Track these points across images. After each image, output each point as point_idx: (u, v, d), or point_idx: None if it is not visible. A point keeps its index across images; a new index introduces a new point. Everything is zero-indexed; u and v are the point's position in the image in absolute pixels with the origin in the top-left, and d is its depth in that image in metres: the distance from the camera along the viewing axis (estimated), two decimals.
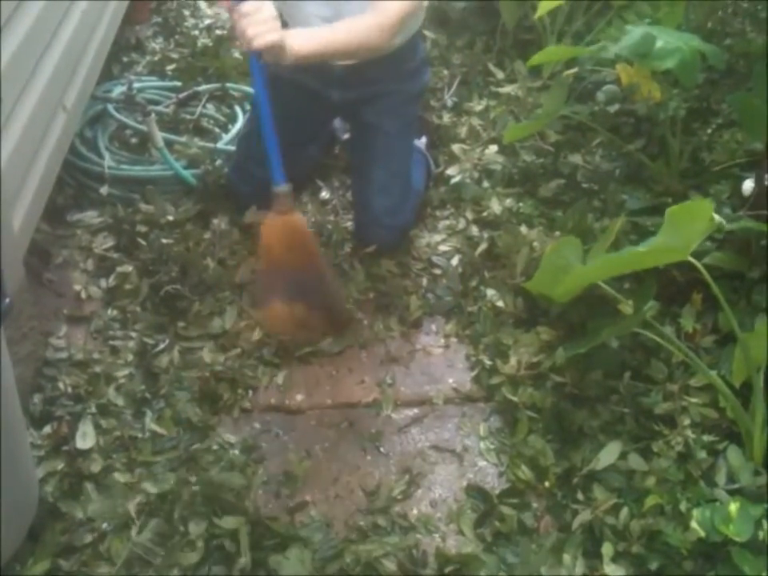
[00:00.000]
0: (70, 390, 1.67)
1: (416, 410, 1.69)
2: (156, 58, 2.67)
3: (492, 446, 1.61)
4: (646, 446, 1.56)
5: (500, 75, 2.67)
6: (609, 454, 1.53)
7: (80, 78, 2.03)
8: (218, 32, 2.82)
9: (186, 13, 2.95)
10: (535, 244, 1.97)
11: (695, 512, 1.38)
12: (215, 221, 2.09)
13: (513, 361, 1.73)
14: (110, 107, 2.31)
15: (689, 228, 1.40)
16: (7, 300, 1.12)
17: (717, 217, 1.50)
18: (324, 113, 2.11)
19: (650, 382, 1.68)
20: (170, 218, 2.08)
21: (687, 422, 1.58)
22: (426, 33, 2.79)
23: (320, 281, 1.56)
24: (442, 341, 1.85)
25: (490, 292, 1.91)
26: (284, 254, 1.54)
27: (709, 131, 2.31)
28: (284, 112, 2.01)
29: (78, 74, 2.02)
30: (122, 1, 2.48)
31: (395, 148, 2.03)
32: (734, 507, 1.36)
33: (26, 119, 1.65)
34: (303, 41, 1.62)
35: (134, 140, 2.33)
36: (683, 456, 1.53)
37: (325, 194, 2.24)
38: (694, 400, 1.61)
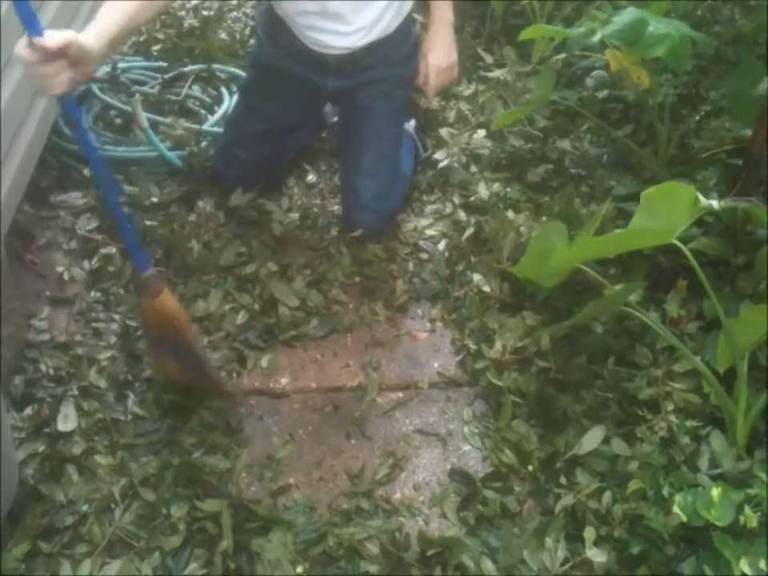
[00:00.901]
0: (51, 371, 1.66)
1: (401, 394, 1.69)
2: (141, 39, 2.64)
3: (476, 431, 1.61)
4: (630, 431, 1.56)
5: (489, 60, 2.66)
6: (592, 439, 1.53)
7: None
8: (205, 12, 2.78)
9: None
10: (522, 229, 1.96)
11: (677, 497, 1.38)
12: (200, 203, 2.07)
13: (498, 345, 1.73)
14: (95, 87, 2.28)
15: (670, 210, 1.39)
16: None
17: (703, 199, 1.50)
18: (317, 99, 2.09)
19: (634, 367, 1.68)
20: (155, 199, 2.07)
21: (671, 407, 1.58)
22: (416, 17, 2.76)
23: (188, 349, 1.58)
24: (428, 325, 1.85)
25: (476, 277, 1.91)
26: (160, 326, 1.55)
27: (697, 118, 2.30)
28: (277, 99, 2.01)
29: None
30: None
31: (385, 132, 2.02)
32: (715, 492, 1.36)
33: (6, 99, 1.62)
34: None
35: (118, 120, 2.31)
36: (666, 441, 1.53)
37: (311, 178, 2.23)
38: (677, 385, 1.62)
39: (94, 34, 1.38)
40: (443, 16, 1.96)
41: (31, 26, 1.23)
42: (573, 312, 1.77)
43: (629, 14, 1.98)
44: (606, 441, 1.53)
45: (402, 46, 1.97)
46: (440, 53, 1.96)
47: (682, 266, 1.75)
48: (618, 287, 1.70)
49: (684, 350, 1.60)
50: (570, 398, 1.62)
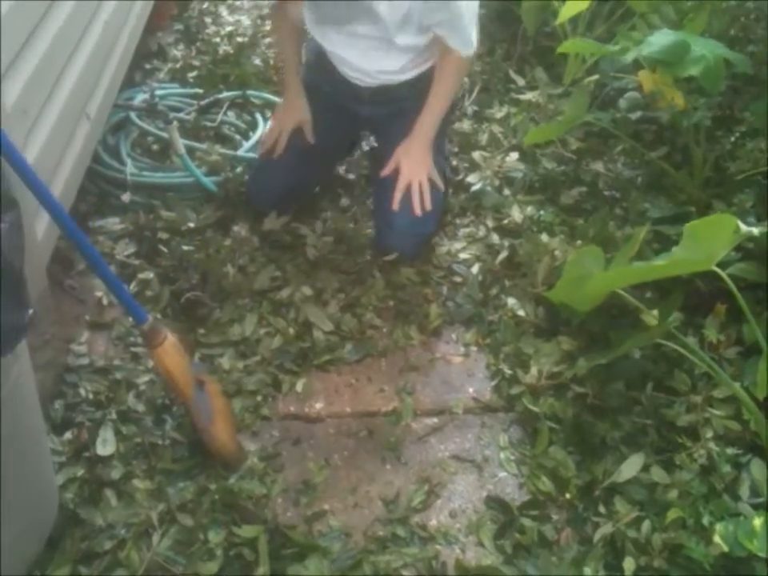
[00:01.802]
0: (90, 396, 1.68)
1: (435, 420, 1.68)
2: (177, 66, 2.69)
3: (512, 457, 1.60)
4: (669, 459, 1.54)
5: (521, 82, 2.67)
6: (631, 467, 1.51)
7: (103, 86, 2.04)
8: (239, 39, 2.83)
9: (208, 20, 2.97)
10: (556, 253, 1.95)
11: (718, 526, 1.36)
12: (235, 228, 2.10)
13: (533, 371, 1.72)
14: (133, 115, 2.32)
15: (711, 240, 1.38)
16: (30, 311, 1.13)
17: (743, 226, 1.48)
18: (353, 125, 2.12)
19: (672, 393, 1.66)
20: (191, 224, 2.10)
21: (710, 434, 1.56)
22: None
23: (186, 407, 1.56)
24: (462, 349, 1.85)
25: (511, 301, 1.90)
26: (181, 376, 1.52)
27: (732, 139, 2.27)
28: (314, 121, 2.04)
29: (101, 83, 2.04)
30: (145, 9, 2.50)
31: None
32: (757, 522, 1.33)
33: (49, 128, 1.66)
34: (430, 131, 1.93)
35: (155, 147, 2.35)
36: (706, 469, 1.51)
37: (344, 202, 2.24)
38: (717, 412, 1.59)
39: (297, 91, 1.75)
40: (426, 133, 1.98)
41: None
42: (609, 336, 1.76)
43: (668, 36, 1.98)
44: (645, 468, 1.52)
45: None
46: (414, 161, 1.97)
47: (721, 291, 1.73)
48: (654, 312, 1.69)
49: (723, 376, 1.58)
50: (607, 425, 1.60)
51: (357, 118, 2.01)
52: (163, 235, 2.06)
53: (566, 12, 2.47)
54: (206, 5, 3.07)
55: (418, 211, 1.95)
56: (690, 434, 1.57)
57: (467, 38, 1.87)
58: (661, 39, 1.95)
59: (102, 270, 1.47)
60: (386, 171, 1.99)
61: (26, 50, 1.56)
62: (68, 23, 1.77)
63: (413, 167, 1.97)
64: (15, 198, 1.11)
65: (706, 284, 1.81)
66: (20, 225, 1.12)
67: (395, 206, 1.95)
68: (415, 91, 1.97)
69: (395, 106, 1.96)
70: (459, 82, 2.08)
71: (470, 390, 1.75)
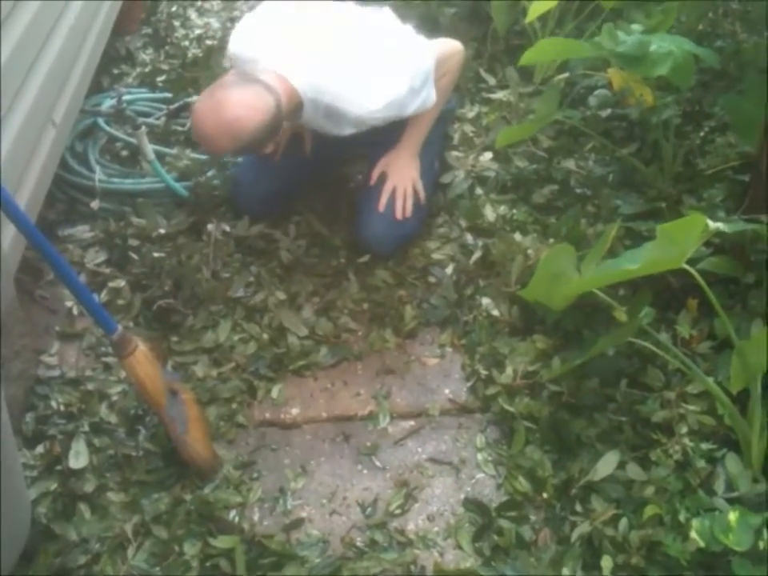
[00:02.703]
0: (62, 408, 1.66)
1: (412, 422, 1.68)
2: (146, 70, 2.66)
3: (489, 458, 1.60)
4: (644, 455, 1.55)
5: (492, 81, 2.66)
6: (607, 464, 1.52)
7: (69, 91, 2.01)
8: (209, 42, 2.80)
9: (176, 23, 2.93)
10: (529, 251, 1.96)
11: (694, 522, 1.37)
12: (207, 233, 2.08)
13: (509, 370, 1.72)
14: (100, 120, 2.29)
15: (681, 240, 1.39)
16: None
17: (711, 222, 1.49)
18: (335, 146, 2.08)
19: (646, 389, 1.67)
20: (162, 231, 2.07)
21: (685, 429, 1.57)
22: None
23: (159, 417, 1.56)
24: (438, 351, 1.84)
25: (485, 301, 1.90)
26: (153, 386, 1.52)
27: (701, 134, 2.30)
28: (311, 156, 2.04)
29: (66, 88, 2.01)
30: (112, 12, 2.46)
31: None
32: (733, 516, 1.34)
33: (13, 136, 1.63)
34: (417, 141, 2.03)
35: (124, 153, 2.32)
36: (681, 465, 1.52)
37: (318, 205, 2.22)
38: (691, 407, 1.60)
39: None
40: (413, 142, 2.03)
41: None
42: (583, 334, 1.76)
43: (631, 34, 1.99)
44: (621, 466, 1.52)
45: None
46: (400, 168, 2.03)
47: (692, 286, 1.73)
48: (626, 309, 1.70)
49: (696, 371, 1.59)
50: (583, 423, 1.61)
51: (338, 140, 2.01)
52: (134, 242, 2.04)
53: (535, 10, 2.46)
54: (174, 8, 3.03)
55: (399, 215, 2.00)
56: (665, 430, 1.58)
57: (422, 104, 1.90)
58: (625, 38, 1.96)
59: (69, 280, 1.45)
60: (373, 177, 2.04)
61: None
62: (31, 27, 1.74)
63: (399, 174, 2.02)
64: None
65: (678, 280, 1.82)
66: None
67: (380, 208, 1.99)
68: (397, 123, 1.97)
69: (379, 136, 1.97)
70: (447, 95, 2.08)
71: (446, 391, 1.75)
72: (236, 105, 1.67)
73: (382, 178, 2.04)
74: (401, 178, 2.03)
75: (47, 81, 1.83)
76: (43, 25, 1.85)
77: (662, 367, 1.69)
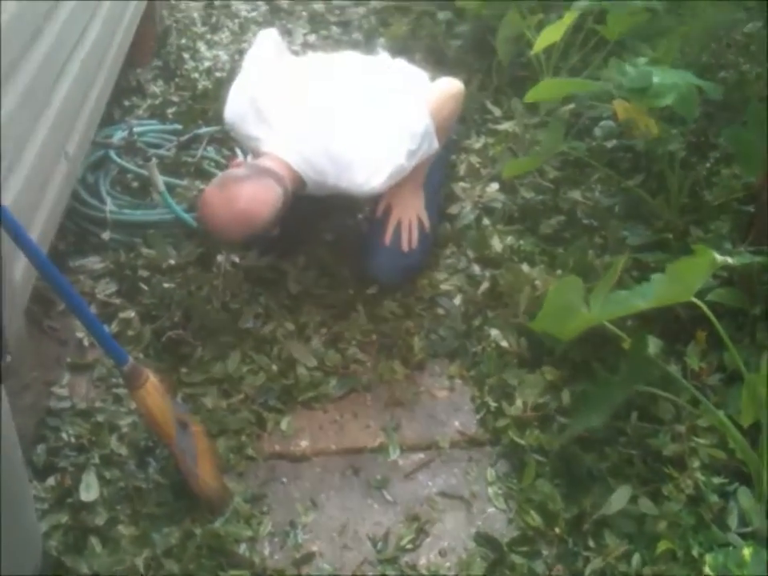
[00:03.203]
0: (73, 440, 1.66)
1: (422, 455, 1.68)
2: (157, 102, 2.69)
3: (500, 492, 1.59)
4: (656, 489, 1.54)
5: (497, 112, 2.69)
6: (619, 499, 1.51)
7: (81, 124, 2.03)
8: (218, 74, 2.84)
9: (186, 56, 2.97)
10: (537, 282, 1.97)
11: (708, 557, 1.37)
12: (217, 264, 2.09)
13: (518, 402, 1.72)
14: (112, 152, 2.32)
15: (691, 275, 1.40)
16: (8, 358, 1.12)
17: (719, 256, 1.50)
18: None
19: (657, 422, 1.66)
20: (172, 261, 2.09)
21: (696, 463, 1.56)
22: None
23: (169, 449, 1.56)
24: (447, 382, 1.84)
25: (494, 332, 1.91)
26: (164, 418, 1.52)
27: (707, 165, 2.32)
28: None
29: (79, 121, 2.03)
30: (123, 45, 2.50)
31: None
32: (747, 551, 1.34)
33: (27, 169, 1.65)
34: (421, 173, 2.02)
35: (135, 184, 2.34)
36: (694, 499, 1.51)
37: (327, 236, 2.24)
38: (702, 441, 1.60)
39: None
40: (416, 175, 2.02)
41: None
42: (592, 366, 1.77)
43: (631, 68, 2.02)
44: (633, 500, 1.52)
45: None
46: (405, 201, 2.05)
47: (701, 317, 1.73)
48: (634, 339, 1.70)
49: (707, 404, 1.59)
50: (594, 456, 1.60)
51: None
52: (144, 273, 2.05)
53: (541, 43, 2.51)
54: (184, 40, 3.08)
55: (405, 247, 2.02)
56: (677, 464, 1.57)
57: (424, 155, 1.94)
58: (630, 72, 1.99)
59: (81, 312, 1.46)
60: (378, 210, 2.06)
61: (3, 88, 1.55)
62: (46, 61, 1.76)
63: (403, 206, 2.04)
64: None
65: (686, 311, 1.82)
66: None
67: (387, 240, 2.01)
68: None
69: None
70: (448, 133, 2.11)
71: (456, 423, 1.74)
72: (249, 199, 1.74)
73: (388, 209, 2.06)
74: (405, 210, 2.05)
75: (61, 113, 1.84)
76: (57, 59, 1.87)
77: (672, 399, 1.69)
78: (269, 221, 1.78)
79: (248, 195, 1.75)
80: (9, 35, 1.52)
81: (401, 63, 2.27)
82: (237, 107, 1.98)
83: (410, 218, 2.05)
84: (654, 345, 1.72)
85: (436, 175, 2.19)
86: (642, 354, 1.62)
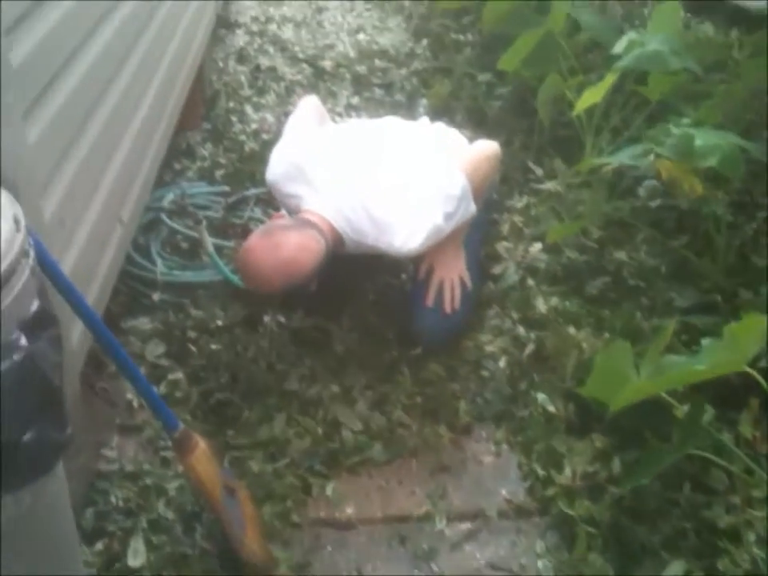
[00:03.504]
0: (121, 503, 1.67)
1: (469, 525, 1.65)
2: (206, 164, 2.77)
3: (550, 564, 1.56)
4: (711, 564, 1.49)
5: (539, 172, 2.71)
6: (672, 573, 1.47)
7: (136, 189, 2.10)
8: (264, 136, 2.92)
9: (234, 118, 3.07)
10: (584, 345, 1.95)
11: None
12: (263, 324, 2.12)
13: (567, 471, 1.69)
14: (163, 215, 2.38)
15: (744, 343, 1.38)
16: (69, 429, 1.13)
17: None
18: None
19: (710, 493, 1.62)
20: (220, 322, 2.12)
21: (753, 537, 1.51)
22: (464, 132, 2.85)
23: (216, 518, 1.56)
24: (493, 448, 1.83)
25: (541, 396, 1.89)
26: (212, 484, 1.53)
27: (754, 226, 2.29)
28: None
29: (134, 187, 2.09)
30: (175, 111, 2.58)
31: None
32: None
33: (85, 236, 1.69)
34: (461, 233, 2.05)
35: (185, 245, 2.40)
36: (751, 575, 1.46)
37: (372, 296, 2.26)
38: (757, 513, 1.55)
39: None
40: (458, 236, 2.06)
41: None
42: (643, 433, 1.73)
43: (676, 130, 2.03)
44: (687, 575, 1.47)
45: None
46: (446, 261, 2.07)
47: (753, 383, 1.71)
48: (686, 413, 1.67)
49: (761, 474, 1.54)
50: (646, 528, 1.56)
51: None
52: (192, 334, 2.09)
53: (582, 104, 2.53)
54: (232, 104, 3.18)
55: (448, 309, 2.03)
56: (732, 537, 1.52)
57: (462, 218, 1.96)
58: (670, 134, 2.00)
59: (136, 379, 1.49)
60: (420, 272, 2.08)
61: (63, 163, 1.61)
62: (103, 133, 1.83)
63: (445, 267, 2.06)
64: (55, 314, 1.14)
65: (737, 377, 1.78)
66: (59, 341, 1.14)
67: (429, 302, 2.03)
68: None
69: None
70: (486, 194, 2.14)
71: (503, 491, 1.72)
72: (294, 247, 1.77)
73: (429, 270, 2.07)
74: (447, 271, 2.07)
75: (117, 181, 1.91)
76: (114, 130, 1.93)
77: (726, 469, 1.65)
78: (311, 272, 1.81)
79: (293, 243, 1.78)
80: (69, 108, 1.59)
81: (440, 126, 2.31)
82: (278, 169, 2.03)
83: (451, 279, 2.07)
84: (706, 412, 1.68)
85: (477, 235, 2.20)
86: (698, 423, 1.58)
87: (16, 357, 0.96)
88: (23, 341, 0.98)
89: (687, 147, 2.00)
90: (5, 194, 1.07)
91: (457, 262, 2.09)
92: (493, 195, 2.32)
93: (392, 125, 2.26)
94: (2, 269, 0.95)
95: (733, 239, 2.18)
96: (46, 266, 1.24)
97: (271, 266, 1.76)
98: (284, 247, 1.77)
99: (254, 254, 1.78)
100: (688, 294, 2.09)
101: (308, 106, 2.27)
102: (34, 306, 1.02)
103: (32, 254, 1.04)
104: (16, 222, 1.02)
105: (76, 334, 1.67)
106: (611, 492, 1.63)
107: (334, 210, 1.90)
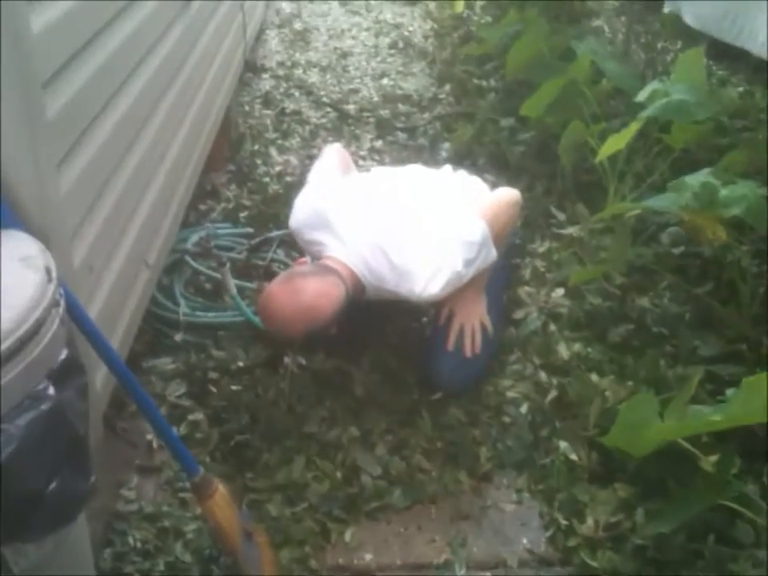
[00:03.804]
0: (139, 545, 1.67)
1: (489, 574, 1.62)
2: (230, 206, 2.81)
3: None
4: None
5: (562, 217, 2.72)
6: None
7: (162, 233, 2.12)
8: (288, 179, 2.96)
9: (258, 161, 3.12)
10: (607, 393, 1.93)
11: None
12: (284, 366, 2.12)
13: (590, 521, 1.67)
14: (187, 256, 2.41)
15: (765, 393, 1.37)
16: (93, 479, 1.14)
17: None
18: None
19: (736, 546, 1.58)
20: (241, 363, 2.13)
21: None
22: (487, 176, 2.87)
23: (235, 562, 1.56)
24: (514, 496, 1.80)
25: (563, 444, 1.87)
26: (231, 529, 1.53)
27: None
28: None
29: (160, 230, 2.12)
30: (202, 154, 2.63)
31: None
32: None
33: (112, 281, 1.70)
34: (483, 278, 2.05)
35: (208, 286, 2.42)
36: None
37: (392, 339, 2.26)
38: None
39: None
40: (479, 280, 2.06)
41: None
42: (666, 483, 1.71)
43: (698, 180, 2.03)
44: None
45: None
46: (467, 306, 2.08)
47: None
48: (712, 459, 1.65)
49: None
50: None
51: None
52: (213, 375, 2.09)
53: (605, 151, 2.55)
54: (257, 146, 3.23)
55: (468, 353, 2.03)
56: None
57: (482, 264, 1.97)
58: (693, 184, 2.00)
59: (158, 425, 1.49)
60: (441, 316, 2.08)
61: (93, 210, 1.63)
62: (133, 179, 1.85)
63: (466, 312, 2.06)
64: (82, 363, 1.15)
65: (762, 428, 1.76)
66: (86, 390, 1.15)
67: (449, 347, 2.03)
68: None
69: None
70: (506, 241, 2.14)
71: (524, 540, 1.69)
72: (315, 293, 1.79)
73: (450, 315, 2.08)
74: (468, 316, 2.07)
75: (144, 225, 1.93)
76: (143, 176, 1.95)
77: (752, 521, 1.61)
78: (331, 317, 1.82)
79: (314, 290, 1.80)
80: (101, 156, 1.63)
81: (462, 174, 2.34)
82: (301, 216, 2.06)
83: (472, 324, 2.07)
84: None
85: (499, 280, 2.21)
86: (727, 474, 1.56)
87: (44, 407, 0.97)
88: (51, 390, 0.99)
89: (711, 197, 2.00)
90: (36, 244, 1.09)
91: (477, 306, 2.09)
92: (515, 240, 2.33)
93: (415, 173, 2.29)
94: (34, 319, 0.97)
95: (757, 288, 2.17)
96: (73, 312, 1.26)
97: (292, 311, 1.77)
98: (304, 293, 1.79)
99: (275, 300, 1.80)
100: (712, 343, 2.07)
101: (333, 154, 2.31)
102: (63, 354, 1.03)
103: (62, 303, 1.06)
104: (48, 272, 1.04)
105: (100, 376, 1.68)
106: (634, 542, 1.60)
107: (355, 256, 1.92)
